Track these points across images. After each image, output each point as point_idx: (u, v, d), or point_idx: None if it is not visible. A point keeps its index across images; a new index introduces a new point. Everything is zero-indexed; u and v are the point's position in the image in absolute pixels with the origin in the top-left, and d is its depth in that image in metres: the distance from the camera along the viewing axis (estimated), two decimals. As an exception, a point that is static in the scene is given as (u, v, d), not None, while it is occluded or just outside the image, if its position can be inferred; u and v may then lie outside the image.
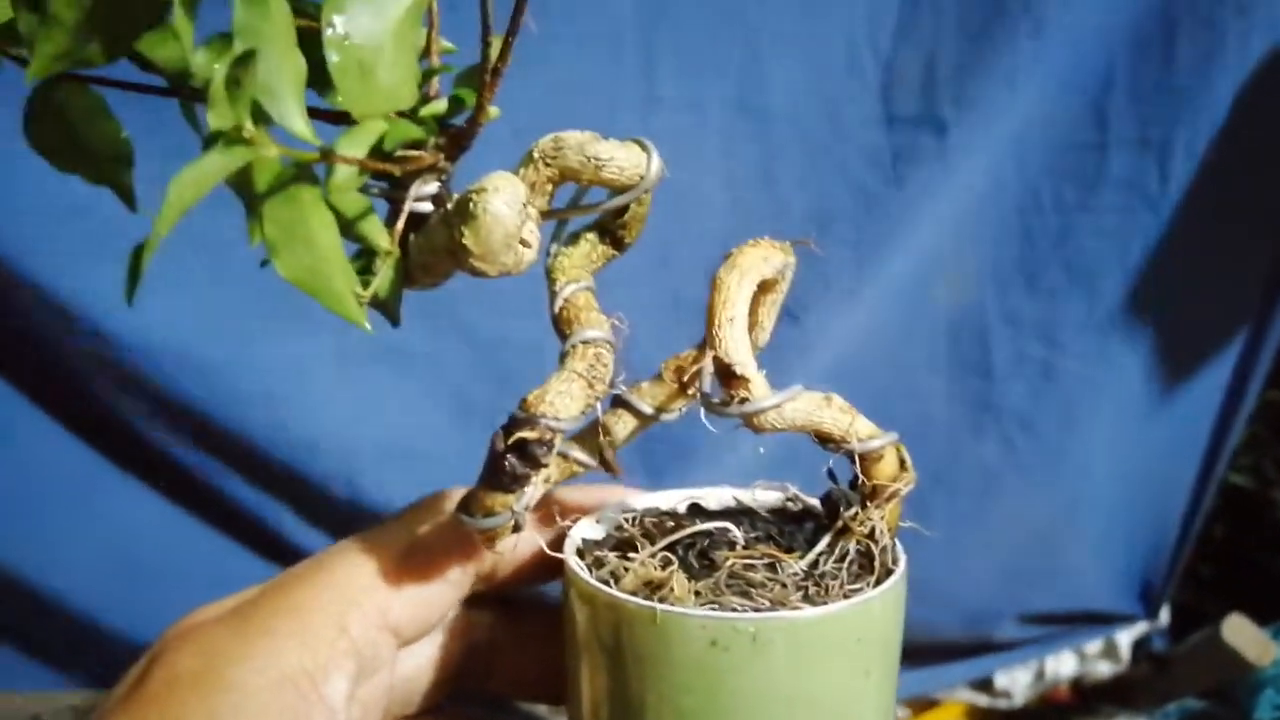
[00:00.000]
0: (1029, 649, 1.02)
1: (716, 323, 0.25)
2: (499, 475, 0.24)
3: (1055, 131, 0.73)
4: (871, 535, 0.27)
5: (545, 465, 0.24)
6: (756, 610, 0.24)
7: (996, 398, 0.82)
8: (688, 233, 0.61)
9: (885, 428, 0.27)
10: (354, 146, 0.21)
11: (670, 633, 0.23)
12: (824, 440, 0.27)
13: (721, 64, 0.64)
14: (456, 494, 0.28)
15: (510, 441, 0.24)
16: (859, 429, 0.27)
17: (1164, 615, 1.05)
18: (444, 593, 0.27)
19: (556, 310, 0.27)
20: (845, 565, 0.27)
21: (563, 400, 0.24)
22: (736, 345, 0.26)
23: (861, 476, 0.27)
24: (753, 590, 0.25)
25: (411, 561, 0.26)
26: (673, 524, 0.28)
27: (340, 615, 0.24)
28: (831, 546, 0.27)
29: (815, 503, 0.30)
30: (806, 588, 0.26)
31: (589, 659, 0.26)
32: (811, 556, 0.27)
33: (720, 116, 0.65)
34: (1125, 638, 1.05)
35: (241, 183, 0.20)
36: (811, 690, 0.24)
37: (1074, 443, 0.86)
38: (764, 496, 0.31)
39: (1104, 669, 1.07)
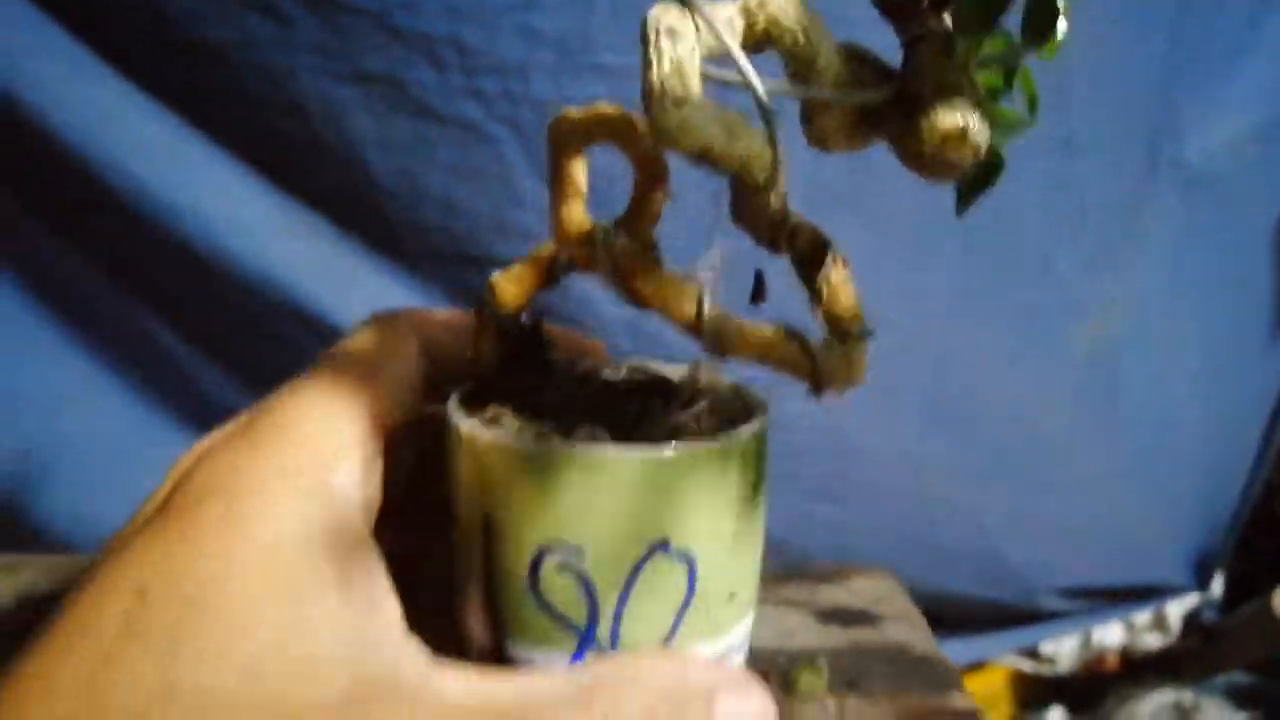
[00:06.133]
0: (1077, 619, 1.01)
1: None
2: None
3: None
4: None
5: None
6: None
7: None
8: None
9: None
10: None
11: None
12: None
13: None
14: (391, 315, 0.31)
15: None
16: None
17: (1216, 587, 1.04)
18: (409, 397, 0.29)
19: None
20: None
21: None
22: None
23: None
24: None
25: (387, 363, 0.28)
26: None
27: (338, 412, 0.26)
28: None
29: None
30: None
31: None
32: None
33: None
34: (1175, 609, 1.04)
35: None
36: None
37: (1139, 415, 0.86)
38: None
39: (1152, 640, 1.06)
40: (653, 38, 0.22)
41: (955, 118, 0.21)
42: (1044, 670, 1.06)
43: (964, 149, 0.21)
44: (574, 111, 0.26)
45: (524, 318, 0.29)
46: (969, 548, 0.87)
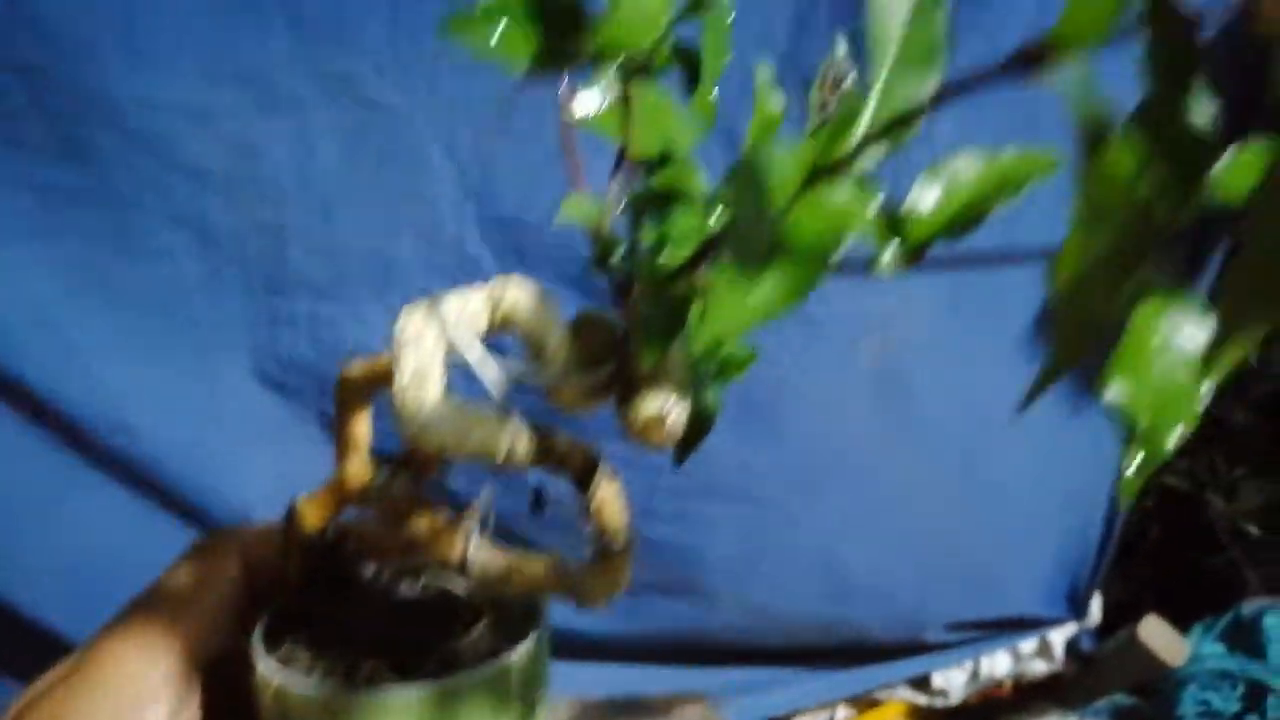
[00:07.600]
0: (964, 650, 1.06)
1: None
2: None
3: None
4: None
5: None
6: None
7: (915, 410, 0.85)
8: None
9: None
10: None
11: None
12: None
13: None
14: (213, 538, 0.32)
15: None
16: None
17: (1094, 614, 1.09)
18: (228, 622, 0.31)
19: None
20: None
21: None
22: None
23: None
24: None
25: (204, 592, 0.30)
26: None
27: (150, 653, 0.29)
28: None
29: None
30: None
31: None
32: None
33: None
34: (1058, 637, 1.10)
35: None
36: None
37: (990, 453, 0.89)
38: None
39: (1039, 667, 1.11)
40: (398, 351, 0.25)
41: (656, 405, 0.25)
42: (937, 702, 1.10)
43: (661, 434, 0.25)
44: (356, 368, 0.29)
45: (329, 533, 0.32)
46: (851, 583, 0.90)
